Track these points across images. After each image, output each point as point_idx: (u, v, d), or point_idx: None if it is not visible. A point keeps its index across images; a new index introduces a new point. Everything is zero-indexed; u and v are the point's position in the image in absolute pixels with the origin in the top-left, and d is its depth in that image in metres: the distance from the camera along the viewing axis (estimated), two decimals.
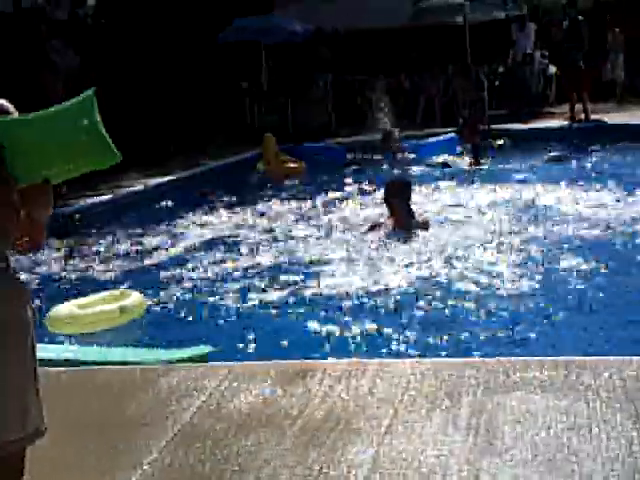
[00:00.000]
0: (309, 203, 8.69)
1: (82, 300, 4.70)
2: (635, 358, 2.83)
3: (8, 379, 1.81)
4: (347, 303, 4.95)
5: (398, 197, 6.40)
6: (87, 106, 1.89)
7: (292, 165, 11.19)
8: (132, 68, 14.97)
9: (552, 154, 10.88)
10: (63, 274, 6.21)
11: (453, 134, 12.10)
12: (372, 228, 6.68)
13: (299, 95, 15.16)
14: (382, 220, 6.69)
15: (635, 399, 2.50)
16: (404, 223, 6.32)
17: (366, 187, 9.48)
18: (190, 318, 4.93)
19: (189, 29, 17.90)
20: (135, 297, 4.70)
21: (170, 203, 9.09)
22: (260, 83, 15.84)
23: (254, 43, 16.08)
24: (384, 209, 6.84)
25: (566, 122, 13.24)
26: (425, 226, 6.38)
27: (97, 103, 1.92)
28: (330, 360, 3.30)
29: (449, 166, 10.74)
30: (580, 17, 13.30)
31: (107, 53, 14.15)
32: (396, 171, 10.43)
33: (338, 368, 3.08)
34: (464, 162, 10.98)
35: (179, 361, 3.53)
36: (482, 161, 10.76)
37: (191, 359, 3.57)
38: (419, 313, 4.64)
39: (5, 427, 1.80)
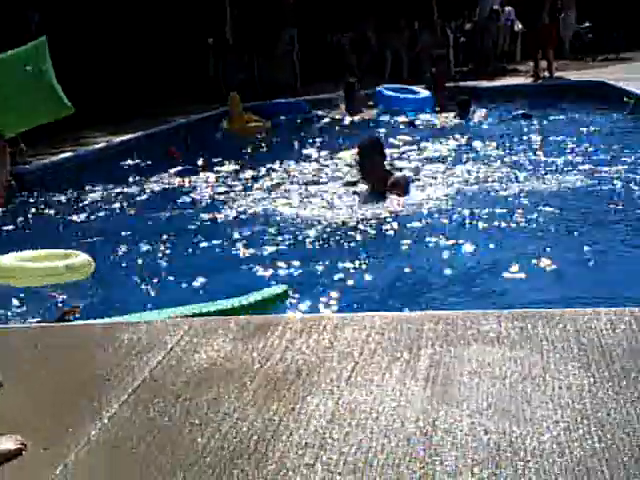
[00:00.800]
0: (275, 160, 8.66)
1: (25, 254, 4.55)
2: (588, 310, 2.88)
3: None
4: (311, 258, 4.97)
5: (370, 157, 6.26)
6: (38, 52, 1.87)
7: (256, 123, 11.11)
8: (94, 22, 14.61)
9: (518, 111, 10.96)
10: (17, 229, 6.15)
11: (427, 92, 12.01)
12: (347, 185, 6.65)
13: (265, 51, 14.95)
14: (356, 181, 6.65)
15: (587, 349, 2.55)
16: (379, 186, 6.21)
17: (332, 144, 9.48)
18: (139, 279, 4.92)
19: None
20: (82, 258, 4.58)
21: (135, 161, 8.99)
22: (225, 38, 15.56)
23: None
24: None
25: (530, 79, 13.29)
26: (400, 187, 6.22)
27: (54, 56, 1.91)
28: (291, 314, 3.30)
29: (415, 126, 10.76)
30: None
31: (69, 8, 13.80)
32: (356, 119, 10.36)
33: (299, 322, 3.10)
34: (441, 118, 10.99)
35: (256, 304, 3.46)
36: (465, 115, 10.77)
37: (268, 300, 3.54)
38: (382, 268, 4.68)
39: None
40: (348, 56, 15.86)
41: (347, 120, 11.32)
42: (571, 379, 2.38)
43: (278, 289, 3.67)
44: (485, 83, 13.34)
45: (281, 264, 5.03)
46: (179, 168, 8.51)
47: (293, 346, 2.88)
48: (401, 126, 10.66)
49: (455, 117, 10.75)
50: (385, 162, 6.44)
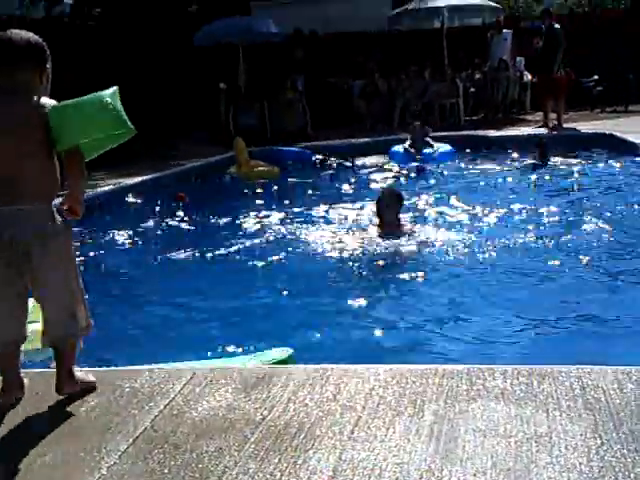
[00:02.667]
0: (281, 206, 8.69)
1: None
2: (594, 367, 2.85)
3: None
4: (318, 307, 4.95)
5: (390, 207, 6.46)
6: (112, 93, 2.73)
7: (264, 168, 11.19)
8: (107, 68, 14.86)
9: (526, 161, 11.01)
10: None
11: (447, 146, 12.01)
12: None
13: (275, 98, 15.11)
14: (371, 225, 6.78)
15: (594, 409, 2.52)
16: (393, 231, 6.34)
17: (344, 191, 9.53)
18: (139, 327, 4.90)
19: (166, 29, 17.84)
20: None
21: (144, 203, 9.04)
22: (238, 85, 15.76)
23: (231, 45, 16.00)
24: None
25: (539, 129, 13.36)
26: (411, 235, 6.41)
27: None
28: (295, 365, 3.28)
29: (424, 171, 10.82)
30: (557, 25, 13.42)
31: (82, 53, 14.05)
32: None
33: (302, 374, 3.07)
34: None
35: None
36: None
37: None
38: (389, 318, 4.65)
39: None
40: (357, 103, 16.02)
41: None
42: (578, 440, 2.34)
43: (283, 353, 3.63)
44: (494, 132, 13.43)
45: (287, 307, 5.03)
46: (185, 212, 8.54)
47: (296, 398, 2.85)
48: (412, 174, 10.72)
49: (535, 159, 10.82)
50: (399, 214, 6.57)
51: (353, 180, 10.55)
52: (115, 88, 2.75)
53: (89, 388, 2.98)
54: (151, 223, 8.06)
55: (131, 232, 7.60)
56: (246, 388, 2.97)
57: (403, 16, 17.05)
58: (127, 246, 7.24)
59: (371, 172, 11.15)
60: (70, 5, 22.30)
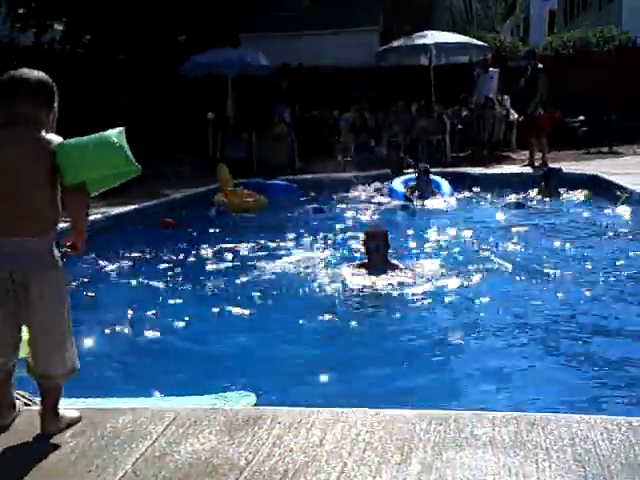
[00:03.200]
0: (267, 238, 8.66)
1: None
2: (584, 416, 2.83)
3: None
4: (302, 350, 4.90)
5: (377, 245, 6.41)
6: (119, 132, 2.83)
7: (252, 199, 11.16)
8: (95, 96, 14.89)
9: (510, 200, 11.07)
10: None
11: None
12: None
13: (264, 130, 15.15)
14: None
15: (584, 461, 2.49)
16: (380, 266, 6.35)
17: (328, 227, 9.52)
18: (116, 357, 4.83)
19: (155, 58, 17.93)
20: None
21: (129, 233, 8.98)
22: (226, 116, 15.81)
23: (220, 76, 16.07)
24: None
25: (524, 168, 13.47)
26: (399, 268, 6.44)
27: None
28: (280, 408, 3.23)
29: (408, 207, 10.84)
30: (540, 65, 13.60)
31: (70, 80, 14.07)
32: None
33: (288, 416, 3.02)
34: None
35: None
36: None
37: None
38: (375, 360, 4.61)
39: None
40: (345, 135, 16.10)
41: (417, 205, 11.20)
42: None
43: (246, 399, 3.58)
44: (479, 170, 13.51)
45: (267, 345, 4.97)
46: (171, 243, 8.49)
47: (281, 442, 2.80)
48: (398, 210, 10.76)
49: (547, 195, 10.89)
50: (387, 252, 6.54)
51: (343, 214, 10.58)
52: (121, 128, 2.85)
53: (73, 423, 2.97)
54: (138, 253, 8.00)
55: (116, 262, 7.54)
56: (230, 431, 2.92)
57: (390, 52, 17.23)
58: (108, 275, 7.16)
59: (359, 206, 11.17)
60: (60, 32, 22.39)
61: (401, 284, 6.17)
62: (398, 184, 11.89)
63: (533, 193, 11.29)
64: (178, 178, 13.04)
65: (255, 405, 3.50)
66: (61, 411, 2.95)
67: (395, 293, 6.03)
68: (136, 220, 9.55)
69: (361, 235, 7.02)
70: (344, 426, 2.90)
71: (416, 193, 11.28)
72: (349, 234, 8.76)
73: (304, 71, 17.85)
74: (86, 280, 6.70)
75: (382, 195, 11.98)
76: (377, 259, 6.42)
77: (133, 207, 9.86)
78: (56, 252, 2.83)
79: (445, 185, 11.68)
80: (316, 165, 14.30)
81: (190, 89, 16.47)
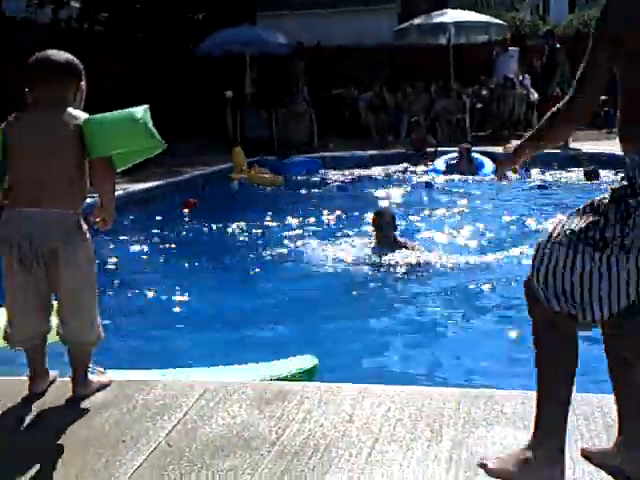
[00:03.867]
0: (285, 215, 8.70)
1: None
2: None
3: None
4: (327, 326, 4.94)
5: (384, 227, 6.56)
6: (144, 109, 2.88)
7: (268, 176, 11.28)
8: (114, 73, 14.86)
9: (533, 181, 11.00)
10: None
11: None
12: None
13: (283, 108, 15.12)
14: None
15: (609, 431, 2.49)
16: (388, 243, 6.44)
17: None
18: (157, 331, 4.89)
19: (172, 36, 17.87)
20: None
21: (152, 210, 9.06)
22: (244, 94, 15.76)
23: (238, 54, 16.01)
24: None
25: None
26: (410, 246, 6.48)
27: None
28: (308, 383, 3.25)
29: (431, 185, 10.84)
30: (558, 45, 13.45)
31: (88, 57, 14.05)
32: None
33: (318, 391, 3.04)
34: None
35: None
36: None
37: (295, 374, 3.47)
38: (403, 338, 4.63)
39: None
40: (365, 116, 16.06)
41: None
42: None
43: (307, 362, 3.61)
44: (501, 149, 13.41)
45: (298, 320, 5.01)
46: (194, 220, 8.56)
47: (311, 417, 2.82)
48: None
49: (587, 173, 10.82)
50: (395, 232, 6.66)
51: (360, 192, 10.57)
52: (146, 106, 2.90)
53: (103, 388, 3.09)
54: (160, 229, 8.07)
55: (141, 238, 7.62)
56: (260, 405, 2.94)
57: (409, 31, 17.07)
58: (137, 251, 7.24)
59: (378, 184, 11.16)
60: (77, 9, 22.35)
61: (408, 263, 6.25)
62: (441, 163, 11.85)
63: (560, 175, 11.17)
64: (198, 155, 13.05)
65: (316, 369, 3.52)
66: (91, 376, 3.08)
67: (400, 270, 6.12)
68: (157, 197, 9.62)
69: (371, 215, 7.08)
70: (373, 402, 2.91)
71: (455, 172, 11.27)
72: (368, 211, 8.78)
73: (321, 50, 17.75)
74: (111, 255, 6.76)
75: (404, 173, 11.95)
76: (382, 238, 6.55)
77: (155, 184, 9.91)
78: (84, 224, 2.91)
79: (488, 165, 11.41)
80: (335, 144, 14.29)
81: (208, 68, 16.43)
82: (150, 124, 2.86)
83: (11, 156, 2.85)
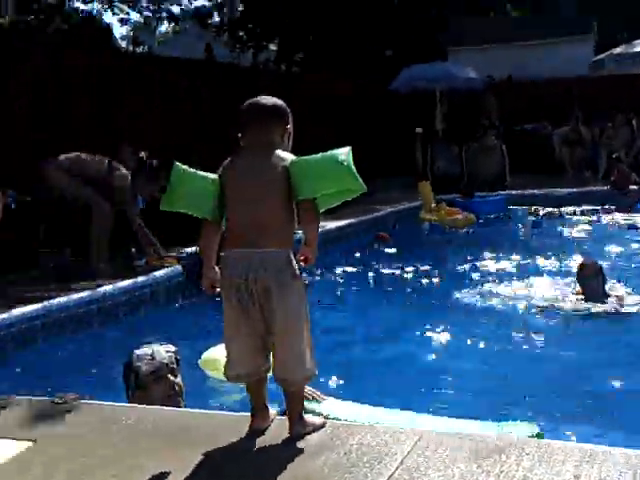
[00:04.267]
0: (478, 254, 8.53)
1: None
2: None
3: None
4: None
5: (590, 279, 6.14)
6: (347, 152, 2.95)
7: (459, 216, 11.11)
8: (305, 114, 15.40)
9: None
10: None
11: None
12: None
13: (474, 143, 14.96)
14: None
15: None
16: (595, 296, 6.05)
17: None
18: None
19: (363, 73, 18.27)
20: None
21: (347, 245, 9.28)
22: (434, 130, 15.78)
23: (425, 91, 16.08)
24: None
25: None
26: (620, 298, 6.03)
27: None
28: (526, 438, 3.10)
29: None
30: None
31: (287, 97, 14.68)
32: None
33: (537, 448, 2.89)
34: None
35: None
36: None
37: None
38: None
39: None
40: (560, 150, 15.49)
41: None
42: None
43: (525, 429, 3.45)
44: None
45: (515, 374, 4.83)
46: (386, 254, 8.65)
47: (532, 475, 2.68)
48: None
49: None
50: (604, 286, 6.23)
51: (556, 232, 10.17)
52: (349, 148, 2.95)
53: (318, 429, 3.10)
54: (353, 264, 8.22)
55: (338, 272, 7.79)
56: (477, 459, 2.85)
57: (607, 61, 16.35)
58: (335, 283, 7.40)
59: (575, 224, 10.68)
60: (274, 52, 23.60)
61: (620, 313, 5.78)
62: None
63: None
64: (387, 193, 13.19)
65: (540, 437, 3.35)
66: (306, 416, 3.10)
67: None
68: (350, 234, 9.82)
69: (575, 264, 6.71)
70: (601, 466, 2.72)
71: None
72: (565, 253, 8.41)
73: (512, 84, 17.41)
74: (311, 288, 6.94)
75: (606, 213, 11.35)
76: (591, 292, 6.10)
77: (347, 222, 10.11)
78: (294, 262, 2.97)
79: None
80: (527, 180, 13.89)
81: (397, 104, 16.62)
82: (353, 167, 2.91)
83: (227, 199, 2.99)
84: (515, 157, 15.18)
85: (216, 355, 5.09)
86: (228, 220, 3.01)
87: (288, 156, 3.00)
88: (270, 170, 2.95)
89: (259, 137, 3.01)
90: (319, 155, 2.98)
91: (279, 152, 3.00)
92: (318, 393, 3.29)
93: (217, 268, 3.00)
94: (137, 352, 3.72)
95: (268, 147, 3.00)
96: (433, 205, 11.45)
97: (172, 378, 3.67)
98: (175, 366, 3.73)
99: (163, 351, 3.71)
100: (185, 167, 3.07)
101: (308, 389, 3.35)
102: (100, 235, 7.40)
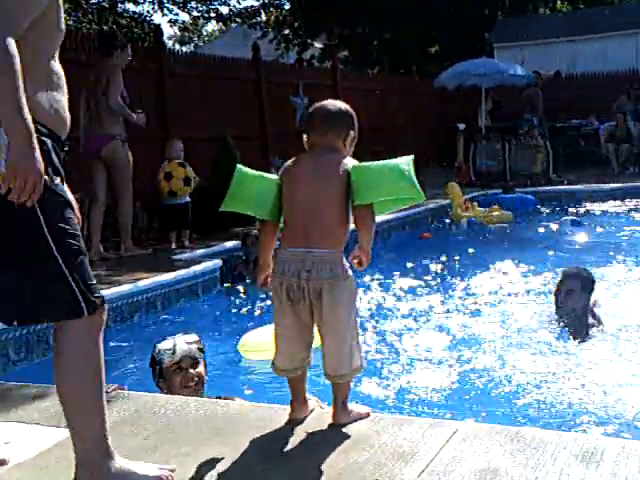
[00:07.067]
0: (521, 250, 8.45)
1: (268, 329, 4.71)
2: None
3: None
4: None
5: (568, 290, 5.42)
6: (408, 161, 2.99)
7: (496, 214, 11.05)
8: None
9: None
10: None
11: None
12: None
13: (518, 139, 14.80)
14: None
15: None
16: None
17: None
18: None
19: (408, 71, 18.19)
20: None
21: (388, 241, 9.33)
22: (478, 126, 15.66)
23: (471, 86, 15.97)
24: None
25: None
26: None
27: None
28: (567, 433, 3.08)
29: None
30: None
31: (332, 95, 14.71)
32: None
33: (576, 444, 2.87)
34: None
35: None
36: None
37: None
38: None
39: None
40: (604, 146, 15.24)
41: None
42: None
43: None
44: None
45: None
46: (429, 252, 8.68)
47: (569, 471, 2.66)
48: None
49: None
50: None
51: (599, 229, 10.01)
52: (411, 156, 2.99)
53: (362, 418, 3.19)
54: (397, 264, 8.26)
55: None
56: (513, 452, 2.84)
57: None
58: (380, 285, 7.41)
59: (620, 220, 10.49)
60: (319, 49, 23.66)
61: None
62: None
63: None
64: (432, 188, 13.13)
65: None
66: (350, 406, 3.19)
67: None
68: (390, 230, 9.87)
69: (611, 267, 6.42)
70: (636, 461, 2.69)
71: None
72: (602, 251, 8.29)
73: (561, 79, 17.17)
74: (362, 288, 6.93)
75: None
76: (567, 305, 5.33)
77: (388, 217, 10.11)
78: (346, 263, 3.04)
79: None
80: (572, 176, 13.68)
81: (442, 100, 16.53)
82: (414, 177, 2.95)
83: (285, 200, 3.07)
84: (560, 153, 14.98)
85: (254, 339, 5.26)
86: (285, 220, 3.10)
87: (349, 161, 3.07)
88: (331, 174, 3.02)
89: (323, 141, 3.09)
90: (381, 163, 3.02)
91: (341, 156, 3.07)
92: (320, 403, 3.36)
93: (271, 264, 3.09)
94: (159, 346, 3.94)
95: (331, 151, 3.08)
96: (461, 202, 11.28)
97: (192, 370, 3.86)
98: (197, 356, 3.91)
99: (184, 343, 3.90)
100: (247, 169, 3.13)
101: (314, 398, 3.39)
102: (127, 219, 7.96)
